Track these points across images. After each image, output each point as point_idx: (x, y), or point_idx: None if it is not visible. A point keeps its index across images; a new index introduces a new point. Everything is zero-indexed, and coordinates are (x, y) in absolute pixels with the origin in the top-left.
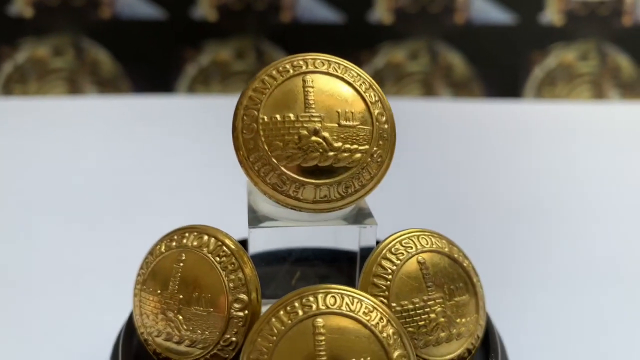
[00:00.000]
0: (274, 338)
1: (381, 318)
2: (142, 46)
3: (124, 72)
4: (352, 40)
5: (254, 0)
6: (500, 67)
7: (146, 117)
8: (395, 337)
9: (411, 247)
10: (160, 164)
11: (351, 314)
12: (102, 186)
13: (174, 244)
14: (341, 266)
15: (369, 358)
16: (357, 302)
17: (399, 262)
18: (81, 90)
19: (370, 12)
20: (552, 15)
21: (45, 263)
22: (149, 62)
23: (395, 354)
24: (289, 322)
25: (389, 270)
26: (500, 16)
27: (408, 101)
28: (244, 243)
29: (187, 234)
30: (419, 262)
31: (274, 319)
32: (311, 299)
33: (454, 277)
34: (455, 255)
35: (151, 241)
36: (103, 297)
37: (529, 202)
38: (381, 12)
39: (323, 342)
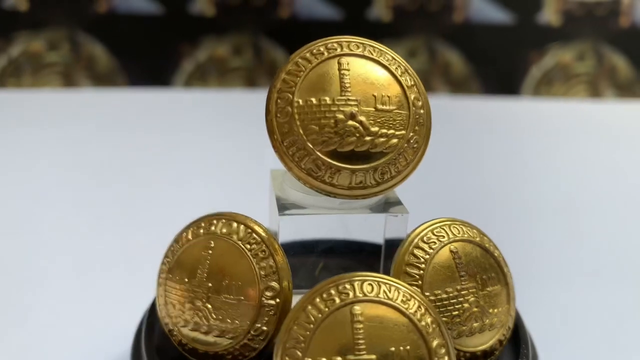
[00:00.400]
0: (311, 326)
1: (419, 306)
2: (139, 41)
3: (120, 67)
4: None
5: None
6: (498, 66)
7: (143, 110)
8: (433, 325)
9: (443, 236)
10: (159, 158)
11: (389, 301)
12: (101, 181)
13: (201, 231)
14: (363, 259)
15: (408, 347)
16: (395, 290)
17: (432, 251)
18: (76, 85)
19: (369, 9)
20: (549, 15)
21: (52, 259)
22: (146, 57)
23: (435, 343)
24: (326, 309)
25: (422, 260)
26: (498, 15)
27: None
28: None
29: (215, 221)
30: (451, 252)
31: (310, 307)
32: (348, 286)
33: (486, 267)
34: (487, 245)
35: (156, 235)
36: (118, 290)
37: (526, 199)
38: (380, 10)
39: (362, 330)
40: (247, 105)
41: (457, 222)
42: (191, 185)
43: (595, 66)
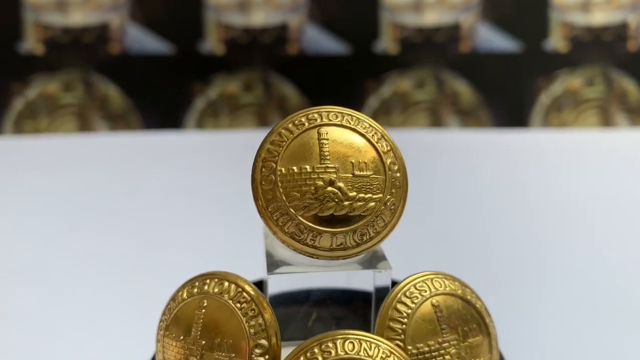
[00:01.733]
0: None
1: None
2: (151, 81)
3: (133, 107)
4: (359, 70)
5: (261, 34)
6: (507, 94)
7: (156, 154)
8: None
9: (425, 290)
10: (171, 202)
11: (369, 359)
12: (114, 226)
13: (195, 290)
14: (356, 307)
15: None
16: (375, 348)
17: (414, 305)
18: (91, 126)
19: (375, 42)
20: (556, 41)
21: (58, 305)
22: (159, 96)
23: None
24: None
25: (405, 314)
26: (505, 44)
27: (415, 132)
28: (261, 284)
29: (208, 281)
30: (433, 305)
31: None
32: (330, 345)
33: (468, 319)
34: (468, 297)
35: (165, 282)
36: (117, 342)
37: (540, 234)
38: (386, 42)
39: None
40: (257, 146)
41: (440, 275)
42: (203, 229)
43: (605, 91)
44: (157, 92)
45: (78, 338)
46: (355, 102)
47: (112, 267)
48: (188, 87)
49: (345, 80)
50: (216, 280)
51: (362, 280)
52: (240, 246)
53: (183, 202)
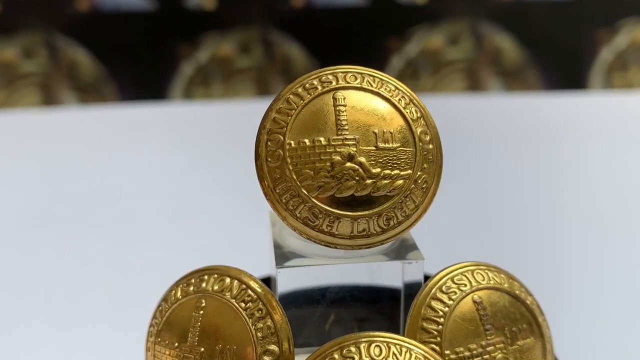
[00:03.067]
0: None
1: None
2: (128, 43)
3: (107, 75)
4: (378, 25)
5: None
6: (560, 49)
7: (136, 130)
8: None
9: (465, 285)
10: (156, 187)
11: None
12: (87, 217)
13: (191, 288)
14: (382, 307)
15: None
16: (406, 352)
17: (451, 302)
18: (57, 98)
19: None
20: None
21: (23, 311)
22: (137, 61)
23: None
24: None
25: (441, 313)
26: None
27: (449, 98)
28: (268, 281)
29: (206, 277)
30: (474, 302)
31: None
32: (353, 349)
33: (516, 318)
34: (517, 292)
35: (154, 280)
36: (99, 354)
37: (604, 217)
38: None
39: None
40: (258, 118)
41: (482, 267)
42: (192, 218)
43: None
44: (136, 57)
45: (48, 352)
46: (375, 63)
47: (88, 265)
48: (172, 49)
49: (362, 38)
50: (216, 276)
51: (389, 274)
52: (242, 237)
53: (170, 187)
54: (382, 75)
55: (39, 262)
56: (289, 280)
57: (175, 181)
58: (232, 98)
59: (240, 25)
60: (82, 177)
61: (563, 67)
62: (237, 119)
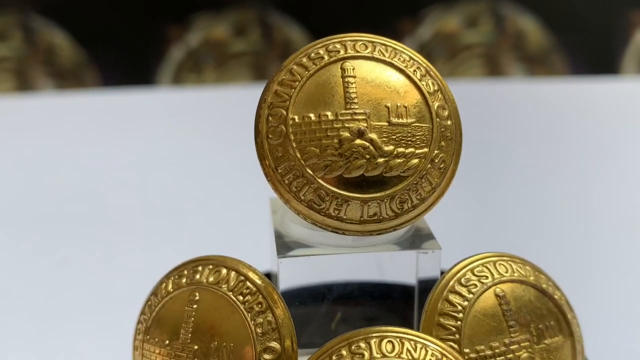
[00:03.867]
0: None
1: None
2: (112, 24)
3: (88, 59)
4: (388, 5)
5: None
6: (589, 32)
7: (120, 119)
8: None
9: (486, 277)
10: (142, 178)
11: None
12: (68, 210)
13: (184, 280)
14: (394, 304)
15: None
16: (421, 349)
17: (471, 296)
18: (33, 84)
19: None
20: None
21: (4, 304)
22: (122, 44)
23: None
24: None
25: (459, 307)
26: None
27: (466, 84)
28: (269, 278)
29: (200, 268)
30: (497, 296)
31: None
32: (362, 345)
33: (543, 314)
34: (544, 286)
35: (142, 273)
36: (82, 352)
37: (637, 211)
38: None
39: None
40: (254, 106)
41: (505, 257)
42: (184, 209)
43: None
44: (119, 40)
45: (28, 353)
46: None
47: (72, 260)
48: (160, 31)
49: (370, 19)
50: (211, 266)
51: (402, 265)
52: (239, 228)
53: (159, 177)
54: (395, 44)
55: (14, 259)
56: (292, 273)
57: (164, 172)
58: (226, 85)
59: (236, 4)
60: (60, 170)
61: (593, 51)
62: (232, 107)
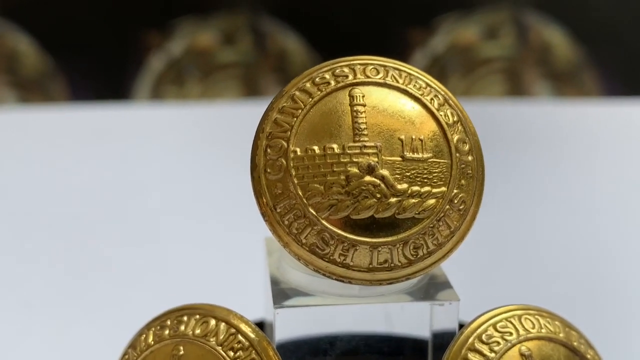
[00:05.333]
0: None
1: None
2: (83, 30)
3: (55, 68)
4: (398, 12)
5: None
6: (626, 47)
7: (91, 137)
8: None
9: (510, 333)
10: (115, 206)
11: None
12: (30, 240)
13: (166, 332)
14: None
15: None
16: None
17: (493, 355)
18: None
19: None
20: None
21: None
22: (94, 52)
23: None
24: None
25: None
26: None
27: (485, 104)
28: (262, 327)
29: (185, 318)
30: (522, 355)
31: None
32: None
33: None
34: (575, 344)
35: (116, 321)
36: None
37: None
38: None
39: None
40: (244, 125)
41: (532, 311)
42: (164, 246)
43: None
44: (92, 47)
45: None
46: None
47: (26, 306)
48: (138, 38)
49: (377, 28)
50: (197, 316)
51: (414, 318)
52: (230, 270)
53: (134, 205)
54: (410, 68)
55: None
56: (289, 324)
57: (141, 199)
58: (212, 100)
59: (224, 9)
60: (24, 192)
61: (628, 68)
62: (219, 126)
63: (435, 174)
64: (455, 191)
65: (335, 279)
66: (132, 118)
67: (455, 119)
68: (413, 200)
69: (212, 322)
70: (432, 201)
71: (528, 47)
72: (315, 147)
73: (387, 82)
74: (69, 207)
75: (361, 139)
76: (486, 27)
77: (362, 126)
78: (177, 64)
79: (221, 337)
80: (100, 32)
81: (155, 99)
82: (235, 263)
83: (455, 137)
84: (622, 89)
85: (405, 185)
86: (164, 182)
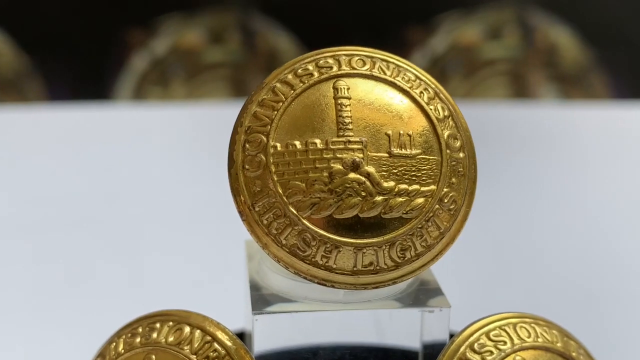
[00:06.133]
0: None
1: None
2: (61, 27)
3: (32, 68)
4: (396, 10)
5: None
6: (635, 48)
7: (70, 139)
8: None
9: (504, 342)
10: (95, 210)
11: None
12: (2, 246)
13: (138, 340)
14: None
15: None
16: None
17: None
18: None
19: None
20: None
21: None
22: (73, 51)
23: None
24: None
25: None
26: None
27: (486, 107)
28: (242, 338)
29: (158, 325)
30: None
31: None
32: None
33: None
34: (574, 354)
35: (87, 329)
36: None
37: None
38: None
39: None
40: (230, 127)
41: (528, 319)
42: (141, 250)
43: None
44: (71, 45)
45: None
46: None
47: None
48: (120, 36)
49: (373, 27)
50: (171, 323)
51: (403, 326)
52: (207, 274)
53: (113, 209)
54: (398, 59)
55: None
56: (270, 332)
57: (121, 203)
58: (198, 102)
59: (212, 6)
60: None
61: (638, 70)
62: (204, 129)
63: (424, 172)
64: (445, 190)
65: (317, 283)
66: (113, 120)
67: (446, 113)
68: (400, 199)
69: (187, 329)
70: (420, 200)
71: (533, 48)
72: (297, 142)
73: (373, 74)
74: (43, 212)
75: (345, 134)
76: (489, 26)
77: (347, 120)
78: (162, 64)
79: (196, 345)
80: (80, 30)
81: (138, 100)
82: (213, 268)
83: (446, 133)
84: (631, 92)
85: (392, 183)
86: (146, 187)
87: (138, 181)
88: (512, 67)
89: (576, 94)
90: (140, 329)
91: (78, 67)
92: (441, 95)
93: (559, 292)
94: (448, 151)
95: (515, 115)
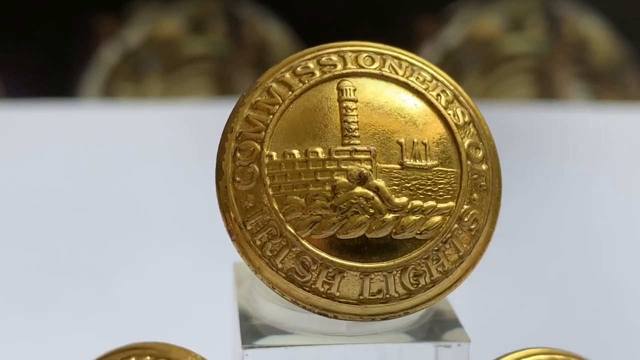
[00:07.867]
0: None
1: None
2: (19, 15)
3: None
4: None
5: None
6: None
7: (28, 142)
8: None
9: None
10: (59, 225)
11: None
12: None
13: None
14: None
15: None
16: None
17: None
18: None
19: None
20: None
21: None
22: (32, 43)
23: None
24: None
25: None
26: None
27: (509, 109)
28: None
29: (133, 359)
30: None
31: None
32: None
33: None
34: None
35: None
36: None
37: None
38: None
39: None
40: (215, 130)
41: (559, 356)
42: (113, 273)
43: None
44: (31, 35)
45: None
46: None
47: None
48: (86, 25)
49: (378, 17)
50: (148, 358)
51: None
52: (190, 302)
53: (78, 224)
54: (412, 57)
55: None
56: None
57: (88, 217)
58: (177, 100)
59: None
60: None
61: None
62: (183, 131)
63: (442, 186)
64: (465, 207)
65: (318, 313)
66: (78, 121)
67: (467, 119)
68: (414, 217)
69: None
70: (437, 219)
71: (560, 41)
72: (295, 151)
73: (384, 73)
74: (6, 223)
75: (351, 142)
76: (510, 16)
77: (353, 126)
78: (135, 57)
79: None
80: (41, 18)
81: (108, 97)
82: (197, 294)
83: (467, 142)
84: None
85: (404, 199)
86: (116, 200)
87: (107, 193)
88: (536, 64)
89: (609, 94)
90: None
91: (39, 60)
92: (461, 98)
93: (593, 325)
94: (469, 162)
95: (540, 119)
